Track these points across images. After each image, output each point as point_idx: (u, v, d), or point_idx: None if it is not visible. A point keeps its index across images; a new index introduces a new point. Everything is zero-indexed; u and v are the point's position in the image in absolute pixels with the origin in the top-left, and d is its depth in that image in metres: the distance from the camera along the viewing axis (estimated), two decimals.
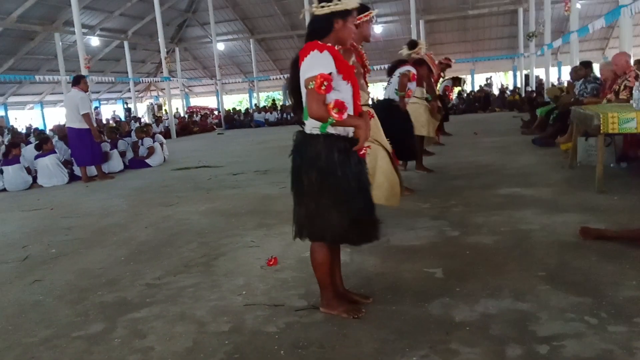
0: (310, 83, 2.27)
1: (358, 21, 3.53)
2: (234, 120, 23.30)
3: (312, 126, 2.39)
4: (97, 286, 3.29)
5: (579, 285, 2.70)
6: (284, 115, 23.17)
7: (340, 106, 2.29)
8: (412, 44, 5.99)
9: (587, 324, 2.28)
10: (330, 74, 2.28)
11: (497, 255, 3.25)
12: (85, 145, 8.24)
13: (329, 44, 2.38)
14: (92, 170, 8.55)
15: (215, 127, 22.83)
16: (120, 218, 5.34)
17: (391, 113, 5.16)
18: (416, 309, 2.58)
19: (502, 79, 30.33)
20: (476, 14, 23.42)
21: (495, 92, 23.85)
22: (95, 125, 8.41)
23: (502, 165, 6.62)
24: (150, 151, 10.00)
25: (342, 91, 2.36)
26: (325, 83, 2.26)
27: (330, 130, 2.36)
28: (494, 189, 5.21)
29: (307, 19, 2.46)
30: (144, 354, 2.34)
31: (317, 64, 2.29)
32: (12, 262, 4.02)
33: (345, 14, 2.38)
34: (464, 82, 11.38)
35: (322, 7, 2.35)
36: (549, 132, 8.21)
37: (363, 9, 3.59)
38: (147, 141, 10.13)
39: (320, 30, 2.39)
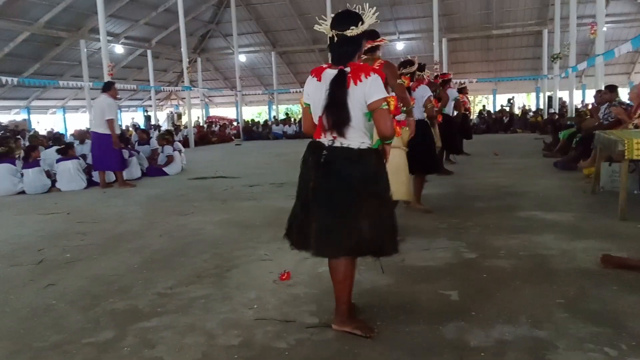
0: (384, 104, 2.42)
1: (377, 43, 3.96)
2: (252, 132, 23.43)
3: (360, 141, 2.45)
4: (110, 293, 3.29)
5: (598, 314, 2.62)
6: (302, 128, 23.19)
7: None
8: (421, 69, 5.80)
9: (607, 356, 2.21)
10: None
11: (514, 280, 3.18)
12: (108, 151, 8.27)
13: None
14: (109, 176, 8.63)
15: (233, 137, 22.97)
16: (135, 225, 5.36)
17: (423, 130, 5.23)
18: (430, 331, 2.53)
19: (524, 100, 30.12)
20: (500, 34, 23.36)
21: (517, 112, 23.67)
22: (117, 132, 8.47)
23: (523, 188, 6.52)
24: (170, 159, 10.06)
25: None
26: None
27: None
28: (514, 212, 5.12)
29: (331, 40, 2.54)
30: None
31: (382, 86, 2.43)
32: (27, 265, 4.05)
33: (367, 32, 2.55)
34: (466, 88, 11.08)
35: (354, 28, 2.43)
36: (572, 155, 8.09)
37: (376, 34, 4.00)
38: (168, 149, 10.21)
39: (355, 50, 2.50)
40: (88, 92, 17.19)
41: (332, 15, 2.54)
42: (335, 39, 2.46)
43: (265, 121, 26.13)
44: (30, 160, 8.44)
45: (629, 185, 4.94)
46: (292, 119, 24.94)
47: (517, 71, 25.50)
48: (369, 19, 2.46)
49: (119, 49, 22.23)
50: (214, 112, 33.86)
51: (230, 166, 11.07)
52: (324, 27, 2.51)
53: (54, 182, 8.49)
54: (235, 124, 26.40)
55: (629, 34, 21.00)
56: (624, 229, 4.28)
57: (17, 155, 9.12)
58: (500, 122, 20.58)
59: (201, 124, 24.59)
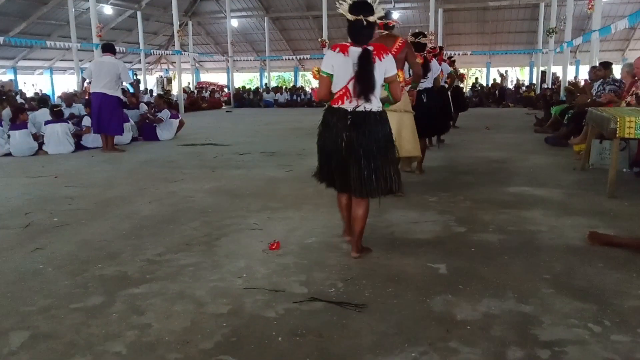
0: (397, 77, 3.14)
1: (395, 23, 4.63)
2: (243, 99, 23.21)
3: (377, 105, 3.08)
4: (98, 259, 3.27)
5: (584, 291, 2.66)
6: (294, 96, 23.06)
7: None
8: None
9: (591, 332, 2.24)
10: None
11: (502, 255, 3.21)
12: (114, 114, 8.28)
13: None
14: (100, 141, 8.55)
15: (223, 104, 22.74)
16: (124, 191, 5.32)
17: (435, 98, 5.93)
18: (417, 304, 2.55)
19: (518, 74, 30.02)
20: (497, 6, 23.09)
21: (510, 86, 23.63)
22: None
23: (513, 163, 6.55)
24: (157, 120, 10.00)
25: None
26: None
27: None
28: (504, 187, 5.15)
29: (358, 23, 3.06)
30: (141, 331, 2.32)
31: (395, 63, 3.12)
32: (14, 228, 4.01)
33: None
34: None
35: (374, 15, 3.03)
36: (563, 132, 8.11)
37: (390, 13, 4.78)
38: (165, 113, 10.16)
39: (373, 32, 3.14)
40: (76, 54, 16.81)
41: (349, 2, 3.04)
42: (365, 22, 2.99)
43: (257, 88, 25.87)
44: (18, 122, 8.31)
45: (619, 163, 4.96)
46: (284, 87, 24.71)
47: (512, 45, 25.33)
48: (379, 9, 3.05)
49: (107, 9, 21.72)
50: (205, 77, 33.42)
51: (220, 133, 10.99)
52: (345, 12, 3.02)
53: (41, 144, 8.38)
54: (225, 90, 26.09)
55: (625, 9, 20.88)
56: (612, 206, 4.32)
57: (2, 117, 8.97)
58: (492, 96, 20.55)
59: (191, 90, 24.28)
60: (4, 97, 12.20)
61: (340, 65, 3.04)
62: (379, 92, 3.06)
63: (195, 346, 2.18)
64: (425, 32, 5.60)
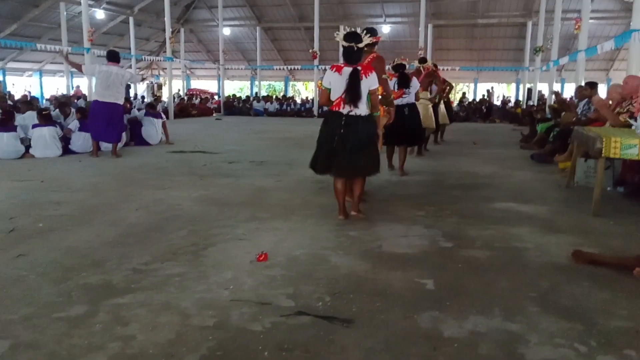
0: (377, 91, 4.27)
1: (376, 40, 4.94)
2: (233, 107, 23.17)
3: (365, 111, 4.17)
4: (83, 266, 3.23)
5: (569, 310, 2.67)
6: (284, 106, 23.09)
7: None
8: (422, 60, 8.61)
9: (577, 352, 2.25)
10: None
11: (489, 272, 3.22)
12: (121, 123, 8.55)
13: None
14: (88, 146, 8.49)
15: (214, 111, 22.69)
16: (111, 197, 5.27)
17: (414, 112, 6.91)
18: (405, 320, 2.54)
19: (504, 91, 30.37)
20: (485, 23, 23.39)
21: (496, 102, 23.89)
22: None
23: (499, 179, 6.60)
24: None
25: None
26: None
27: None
28: (490, 202, 5.18)
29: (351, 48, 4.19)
30: (125, 343, 2.29)
31: (377, 79, 4.20)
32: None
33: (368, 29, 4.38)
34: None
35: (363, 41, 4.13)
36: (548, 149, 8.18)
37: (375, 31, 4.99)
38: (140, 112, 10.25)
39: (362, 55, 4.24)
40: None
41: (344, 32, 4.17)
42: (355, 48, 4.09)
43: (247, 97, 25.85)
44: (6, 125, 8.20)
45: (603, 182, 5.01)
46: (274, 97, 24.73)
47: (500, 61, 25.62)
48: (366, 39, 4.14)
49: (100, 14, 21.62)
50: (195, 84, 33.35)
51: (209, 141, 10.96)
52: (341, 39, 4.11)
53: (27, 148, 8.28)
54: (216, 98, 26.04)
55: (610, 30, 21.26)
56: (596, 225, 4.36)
57: None
58: (479, 111, 20.76)
59: (182, 96, 24.20)
60: None
61: (335, 81, 4.12)
62: (364, 100, 4.11)
63: (180, 359, 2.16)
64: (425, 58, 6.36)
